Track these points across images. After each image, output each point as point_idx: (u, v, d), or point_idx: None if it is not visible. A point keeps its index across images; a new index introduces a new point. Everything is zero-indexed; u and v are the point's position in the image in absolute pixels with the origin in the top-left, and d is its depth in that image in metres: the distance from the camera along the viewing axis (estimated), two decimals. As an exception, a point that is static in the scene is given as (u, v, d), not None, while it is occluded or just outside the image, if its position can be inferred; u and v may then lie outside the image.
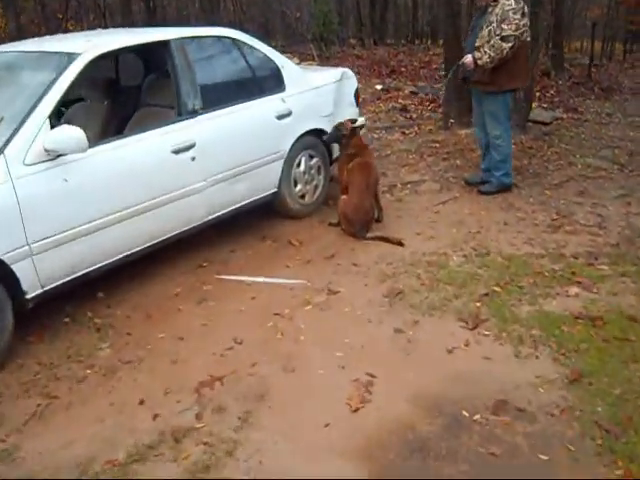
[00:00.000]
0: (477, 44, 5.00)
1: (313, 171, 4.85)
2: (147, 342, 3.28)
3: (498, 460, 2.39)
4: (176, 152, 3.62)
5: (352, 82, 5.30)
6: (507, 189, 5.40)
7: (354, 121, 4.83)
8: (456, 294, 3.64)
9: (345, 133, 4.55)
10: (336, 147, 4.91)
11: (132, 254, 3.59)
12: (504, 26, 4.83)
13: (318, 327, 3.37)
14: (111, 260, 3.45)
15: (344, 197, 4.52)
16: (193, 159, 3.71)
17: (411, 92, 9.37)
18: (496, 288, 3.69)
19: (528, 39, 5.02)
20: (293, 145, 4.53)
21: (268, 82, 4.47)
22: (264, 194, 4.44)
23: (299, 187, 4.74)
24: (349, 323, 3.41)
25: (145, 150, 3.50)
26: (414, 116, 8.00)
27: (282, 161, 4.47)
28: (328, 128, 4.89)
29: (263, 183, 4.39)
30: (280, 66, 4.53)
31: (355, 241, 4.45)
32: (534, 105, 7.80)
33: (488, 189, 5.38)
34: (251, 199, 4.32)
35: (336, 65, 11.55)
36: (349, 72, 5.31)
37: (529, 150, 6.46)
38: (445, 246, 4.32)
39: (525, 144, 6.59)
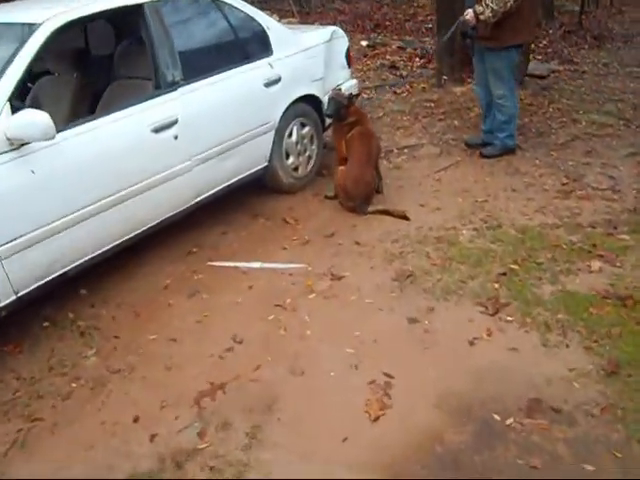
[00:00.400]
0: (477, -3, 4.59)
1: (306, 141, 4.49)
2: (137, 346, 2.98)
3: (541, 473, 2.14)
4: (156, 131, 3.24)
5: (343, 41, 4.90)
6: (511, 151, 5.09)
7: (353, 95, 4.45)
8: (471, 274, 3.36)
9: (344, 103, 4.17)
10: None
11: (113, 247, 3.25)
12: (508, -25, 4.42)
13: (324, 319, 3.09)
14: (91, 256, 3.11)
15: (342, 168, 4.18)
16: (176, 137, 3.34)
17: (399, 47, 8.91)
18: (513, 266, 3.42)
19: (533, -11, 4.62)
20: (283, 114, 4.16)
21: (253, 46, 4.06)
22: (254, 169, 4.08)
23: (291, 159, 4.38)
24: (357, 313, 3.12)
25: (121, 131, 3.12)
26: (404, 73, 7.57)
27: (272, 132, 4.10)
28: (320, 93, 4.52)
29: (253, 158, 4.03)
30: (265, 27, 4.11)
31: (355, 216, 4.13)
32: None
33: (491, 152, 5.05)
34: (241, 176, 3.97)
35: (317, 21, 11.02)
36: (339, 30, 4.90)
37: (529, 107, 6.11)
38: (453, 219, 4.02)
39: (525, 100, 6.23)
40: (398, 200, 4.36)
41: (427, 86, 7.01)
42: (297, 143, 4.38)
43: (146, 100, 3.25)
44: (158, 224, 3.48)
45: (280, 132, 4.18)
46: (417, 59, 8.22)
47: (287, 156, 4.34)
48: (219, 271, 3.60)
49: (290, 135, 4.31)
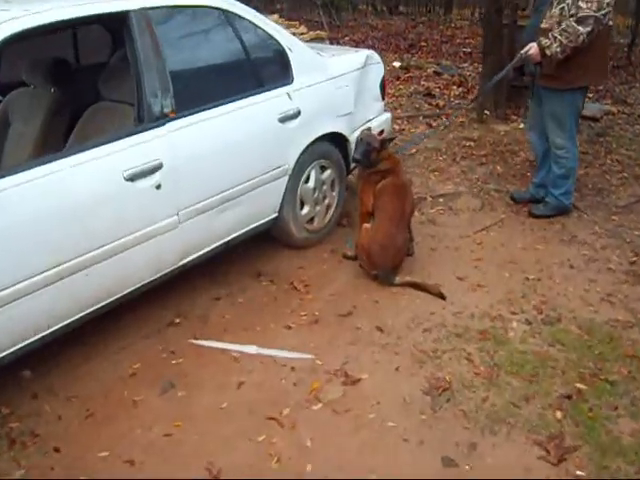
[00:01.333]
0: (543, 26, 3.83)
1: (325, 187, 3.73)
2: (81, 468, 2.23)
3: None
4: (132, 179, 2.49)
5: (378, 69, 4.16)
6: (565, 212, 4.30)
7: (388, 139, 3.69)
8: (526, 394, 2.58)
9: (375, 147, 3.40)
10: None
11: (74, 322, 2.51)
12: (581, 4, 3.65)
13: (331, 446, 2.34)
14: (42, 334, 2.38)
15: (367, 226, 3.42)
16: (158, 187, 2.60)
17: (434, 72, 8.16)
18: (580, 384, 2.64)
19: (610, 23, 3.84)
20: (301, 156, 3.41)
21: (269, 71, 3.32)
22: (260, 222, 3.34)
23: (307, 209, 3.62)
24: (375, 442, 2.36)
25: (86, 178, 2.40)
26: (441, 103, 6.81)
27: (286, 178, 3.36)
28: (347, 131, 3.78)
29: (259, 209, 3.29)
30: (286, 48, 3.37)
31: (379, 287, 3.38)
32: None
33: (543, 211, 4.27)
34: (242, 231, 3.23)
35: (347, 36, 10.30)
36: (375, 55, 4.16)
37: (584, 156, 5.31)
38: (499, 302, 3.24)
39: (579, 148, 5.42)
40: (431, 267, 3.60)
41: (466, 120, 6.24)
42: (315, 190, 3.63)
43: (122, 137, 2.51)
44: (133, 292, 2.73)
45: (295, 177, 3.44)
46: (454, 87, 7.46)
47: (302, 205, 3.59)
48: (204, 354, 2.86)
49: (307, 180, 3.57)
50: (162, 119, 2.64)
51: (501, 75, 4.03)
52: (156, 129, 2.61)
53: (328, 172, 3.73)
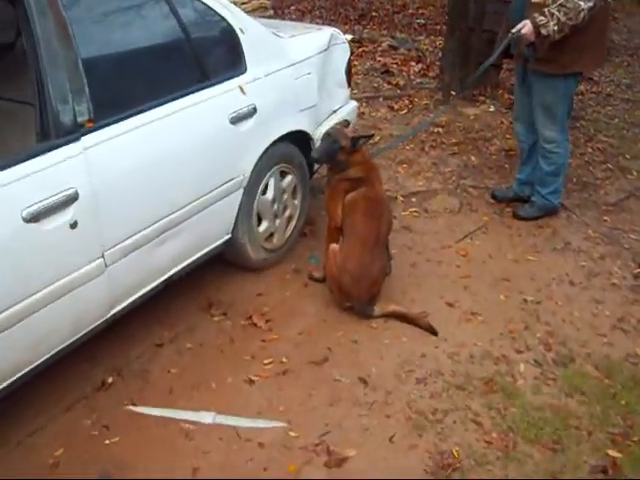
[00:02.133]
0: (534, 0, 3.28)
1: (286, 196, 3.11)
2: None
3: None
4: (35, 218, 1.80)
5: (343, 50, 3.53)
6: (553, 212, 3.83)
7: (347, 123, 3.07)
8: (552, 469, 2.09)
9: (344, 145, 2.78)
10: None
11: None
12: (582, -25, 3.12)
13: None
14: None
15: (334, 248, 2.84)
16: (74, 225, 1.92)
17: (390, 46, 7.53)
18: (612, 452, 2.18)
19: (610, -1, 3.33)
20: (257, 162, 2.76)
21: (217, 59, 2.65)
22: (209, 248, 2.69)
23: (265, 225, 3.00)
24: None
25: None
26: (401, 82, 6.21)
27: (240, 192, 2.72)
28: (310, 127, 3.16)
29: (208, 233, 2.65)
30: (237, 30, 2.69)
31: (355, 320, 2.83)
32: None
33: (530, 213, 3.80)
34: (187, 262, 2.58)
35: (292, 6, 9.51)
36: (339, 34, 3.52)
37: (563, 144, 4.85)
38: (499, 337, 2.75)
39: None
40: (414, 289, 3.07)
41: (431, 102, 5.67)
42: (274, 201, 3.00)
43: (19, 161, 1.80)
44: (48, 360, 2.07)
45: (251, 189, 2.80)
46: (413, 63, 6.87)
47: (259, 221, 2.95)
48: (146, 427, 2.25)
49: (265, 191, 2.93)
50: (75, 132, 1.95)
51: (489, 62, 3.47)
52: (67, 146, 1.92)
53: (289, 178, 3.10)
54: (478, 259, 3.36)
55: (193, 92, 2.38)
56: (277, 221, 3.08)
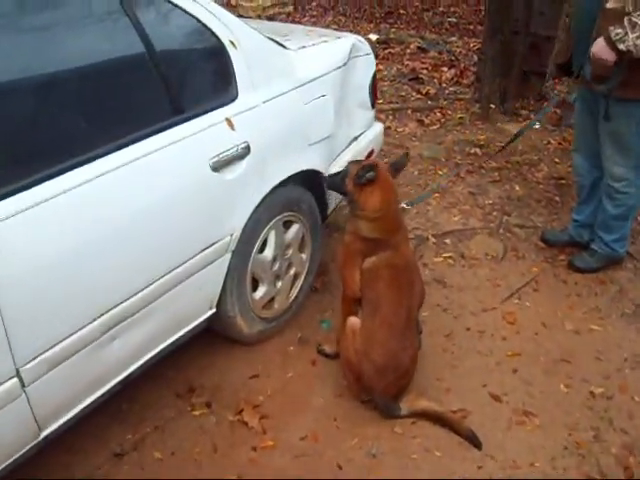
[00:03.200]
0: (610, 5, 2.58)
1: (291, 251, 2.47)
2: None
3: None
4: None
5: (367, 63, 2.90)
6: (616, 262, 3.13)
7: (368, 168, 2.40)
8: None
9: (350, 175, 2.14)
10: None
11: None
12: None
13: None
14: None
15: (353, 323, 2.19)
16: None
17: (419, 48, 6.83)
18: None
19: None
20: (251, 216, 2.11)
21: (196, 84, 2.01)
22: (183, 331, 2.07)
23: (262, 290, 2.37)
24: None
25: None
26: (432, 91, 5.52)
27: (227, 256, 2.07)
28: (322, 165, 2.50)
29: (181, 313, 2.02)
30: (227, 43, 2.04)
31: (376, 420, 2.17)
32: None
33: (589, 264, 3.13)
34: (151, 354, 1.95)
35: (313, 1, 8.83)
36: (363, 43, 2.87)
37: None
38: (563, 454, 2.12)
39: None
40: (449, 374, 2.42)
41: (467, 116, 4.98)
42: (275, 260, 2.36)
43: None
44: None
45: (243, 249, 2.15)
46: (445, 69, 6.17)
47: (255, 286, 2.32)
48: None
49: (262, 249, 2.28)
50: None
51: (538, 118, 2.77)
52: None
53: (295, 228, 2.47)
54: (529, 329, 2.69)
55: (157, 132, 1.74)
56: (279, 283, 2.44)
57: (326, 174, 2.35)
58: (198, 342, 2.33)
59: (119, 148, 1.61)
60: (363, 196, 2.11)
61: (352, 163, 2.25)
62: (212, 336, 2.41)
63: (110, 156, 1.59)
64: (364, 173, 2.07)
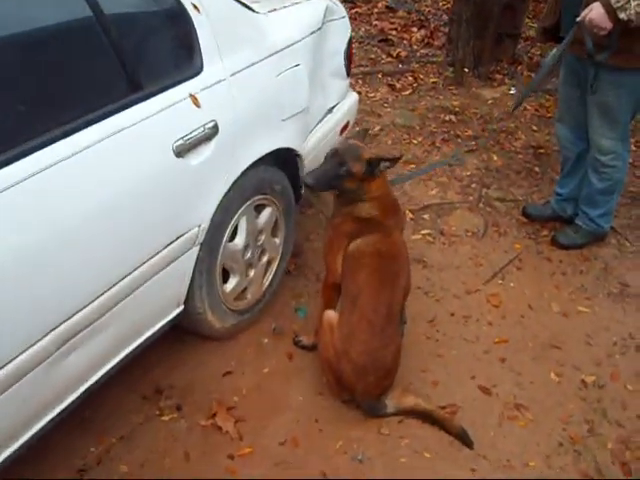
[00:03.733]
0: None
1: (263, 237, 2.26)
2: None
3: None
4: None
5: (342, 28, 2.67)
6: (601, 237, 3.03)
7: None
8: None
9: (356, 171, 1.93)
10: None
11: None
12: None
13: None
14: None
15: (330, 317, 2.03)
16: None
17: (387, 7, 6.54)
18: None
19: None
20: (220, 204, 1.89)
21: (154, 56, 1.74)
22: (148, 334, 1.86)
23: (234, 281, 2.17)
24: None
25: None
26: (403, 54, 5.28)
27: (194, 250, 1.85)
28: (297, 142, 2.28)
29: (144, 315, 1.82)
30: (189, 6, 1.78)
31: (357, 418, 2.02)
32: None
33: (573, 240, 3.02)
34: (114, 362, 1.74)
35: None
36: (336, 5, 2.62)
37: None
38: (558, 451, 2.02)
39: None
40: (435, 364, 2.28)
41: (440, 81, 4.78)
42: (246, 248, 2.14)
43: None
44: None
45: (212, 239, 1.93)
46: (415, 29, 5.92)
47: (225, 278, 2.11)
48: None
49: (233, 237, 2.07)
50: None
51: (551, 60, 2.58)
52: None
53: (267, 212, 2.26)
54: (515, 312, 2.57)
55: (109, 114, 1.49)
56: (251, 272, 2.25)
57: (304, 177, 2.10)
58: (166, 338, 2.12)
59: (65, 135, 1.37)
60: (367, 183, 1.94)
61: (336, 149, 2.02)
62: (180, 331, 2.20)
63: (54, 145, 1.35)
64: (377, 166, 1.93)
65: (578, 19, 2.38)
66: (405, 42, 5.60)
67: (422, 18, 6.30)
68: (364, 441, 1.98)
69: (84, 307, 1.47)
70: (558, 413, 2.11)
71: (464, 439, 1.97)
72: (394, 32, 5.84)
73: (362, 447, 1.96)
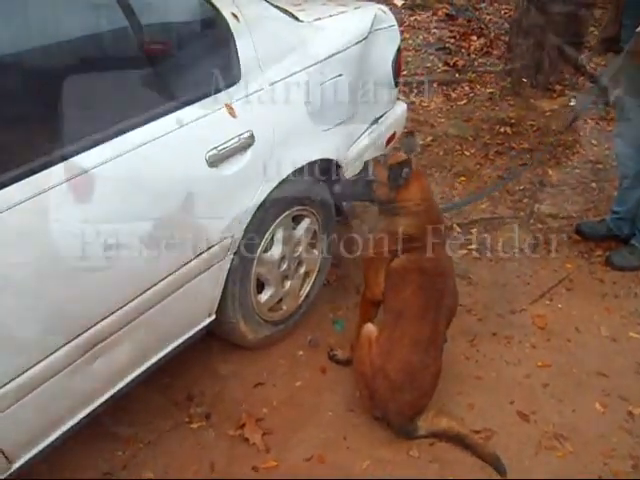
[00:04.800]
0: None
1: (301, 248, 2.23)
2: None
3: None
4: None
5: (391, 37, 2.60)
6: (658, 260, 2.87)
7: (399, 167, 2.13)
8: None
9: (379, 179, 1.90)
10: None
11: None
12: None
13: None
14: None
15: (369, 331, 1.98)
16: None
17: (447, 15, 6.43)
18: None
19: None
20: (255, 215, 1.88)
21: (190, 65, 1.74)
22: (177, 342, 1.86)
23: (269, 293, 2.16)
24: None
25: None
26: (460, 63, 5.17)
27: (227, 259, 1.85)
28: (338, 152, 2.24)
29: (174, 324, 1.83)
30: (228, 15, 1.79)
31: (390, 440, 1.97)
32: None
33: (629, 262, 2.88)
34: (140, 370, 1.75)
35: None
36: (387, 14, 2.57)
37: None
38: None
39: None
40: (472, 387, 2.19)
41: (497, 91, 4.65)
42: (282, 260, 2.13)
43: None
44: None
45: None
46: (474, 38, 5.78)
47: (260, 288, 2.10)
48: None
49: (268, 248, 2.06)
50: None
51: (611, 72, 2.47)
52: None
53: (306, 223, 2.24)
54: (561, 335, 2.46)
55: (142, 124, 1.50)
56: (287, 283, 2.23)
57: (336, 188, 2.09)
58: (198, 345, 2.14)
59: (96, 144, 1.38)
60: (401, 194, 1.90)
61: (372, 166, 1.99)
62: (214, 339, 2.21)
63: (84, 154, 1.37)
64: (399, 173, 1.84)
65: (638, 29, 2.26)
66: (463, 51, 5.49)
67: (482, 26, 6.15)
68: (392, 463, 1.92)
69: (111, 314, 1.49)
70: (600, 446, 1.99)
71: (497, 466, 1.89)
72: (452, 40, 5.73)
73: (390, 467, 1.90)
